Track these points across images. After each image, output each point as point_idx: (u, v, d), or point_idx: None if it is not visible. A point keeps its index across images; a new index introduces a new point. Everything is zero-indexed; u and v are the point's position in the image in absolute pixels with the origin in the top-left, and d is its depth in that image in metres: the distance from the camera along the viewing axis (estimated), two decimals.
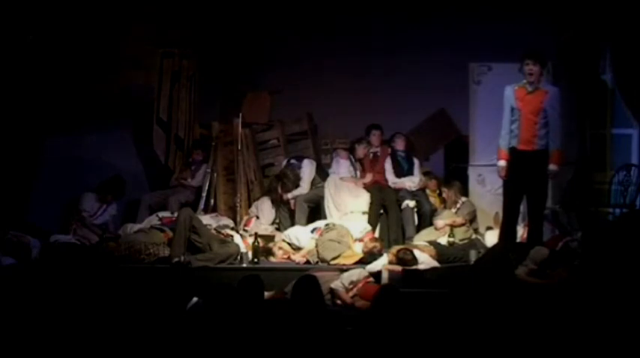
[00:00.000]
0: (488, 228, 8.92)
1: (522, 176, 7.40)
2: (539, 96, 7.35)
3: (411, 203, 9.28)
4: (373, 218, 9.30)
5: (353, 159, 9.81)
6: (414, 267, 7.70)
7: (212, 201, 9.93)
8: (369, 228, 9.02)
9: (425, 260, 7.94)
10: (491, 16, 9.85)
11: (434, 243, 8.53)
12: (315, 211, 9.59)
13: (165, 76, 10.32)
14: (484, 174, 9.27)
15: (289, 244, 8.82)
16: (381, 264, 7.80)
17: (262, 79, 10.65)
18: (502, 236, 7.62)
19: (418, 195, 9.44)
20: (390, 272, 7.59)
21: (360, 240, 8.73)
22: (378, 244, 8.46)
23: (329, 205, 9.42)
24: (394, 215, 9.26)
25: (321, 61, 10.44)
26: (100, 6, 9.38)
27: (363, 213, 9.36)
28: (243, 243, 8.67)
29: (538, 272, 6.78)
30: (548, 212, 8.41)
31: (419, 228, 9.22)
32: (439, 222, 8.92)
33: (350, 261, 8.24)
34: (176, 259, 8.15)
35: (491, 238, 8.54)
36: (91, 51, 9.48)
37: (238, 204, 9.69)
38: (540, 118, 7.33)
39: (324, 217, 9.37)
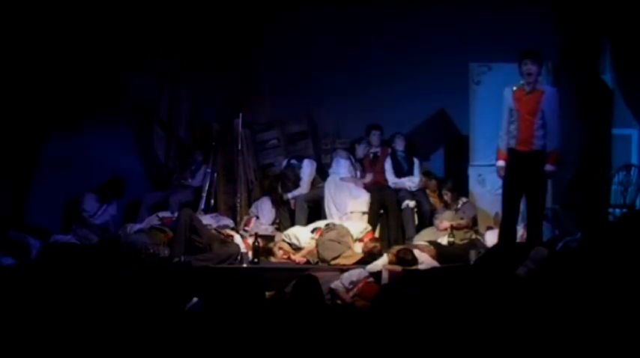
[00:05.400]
0: (489, 228, 8.92)
1: (521, 176, 7.40)
2: (536, 97, 7.34)
3: (411, 203, 9.28)
4: (373, 218, 9.31)
5: (353, 159, 9.82)
6: (414, 267, 7.71)
7: (212, 201, 9.93)
8: (369, 228, 9.03)
9: (425, 260, 7.94)
10: (491, 15, 9.84)
11: (434, 243, 8.53)
12: (315, 211, 9.60)
13: (166, 76, 10.33)
14: (484, 174, 9.26)
15: (289, 244, 8.83)
16: (381, 263, 7.80)
17: (262, 79, 10.64)
18: (501, 236, 7.62)
19: (418, 195, 9.44)
20: (390, 272, 7.60)
21: (360, 240, 8.74)
22: (378, 244, 8.47)
23: (329, 205, 9.43)
24: (394, 215, 9.26)
25: (321, 61, 10.43)
26: (101, 6, 9.38)
27: (363, 213, 9.37)
28: (243, 243, 8.69)
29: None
30: (548, 212, 8.40)
31: (419, 228, 9.23)
32: (444, 222, 8.90)
33: (350, 261, 8.24)
34: (176, 259, 8.16)
35: (491, 238, 8.53)
36: (92, 51, 9.48)
37: (238, 204, 9.69)
38: (538, 119, 7.31)
39: (324, 217, 9.38)
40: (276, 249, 8.69)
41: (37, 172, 9.44)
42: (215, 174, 9.98)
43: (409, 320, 5.29)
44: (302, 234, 8.90)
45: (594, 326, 5.24)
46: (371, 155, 9.71)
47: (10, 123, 8.97)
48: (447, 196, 9.26)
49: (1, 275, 7.50)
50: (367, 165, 9.71)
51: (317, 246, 8.55)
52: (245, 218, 9.61)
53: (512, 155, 7.44)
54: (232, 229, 9.10)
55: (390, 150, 9.66)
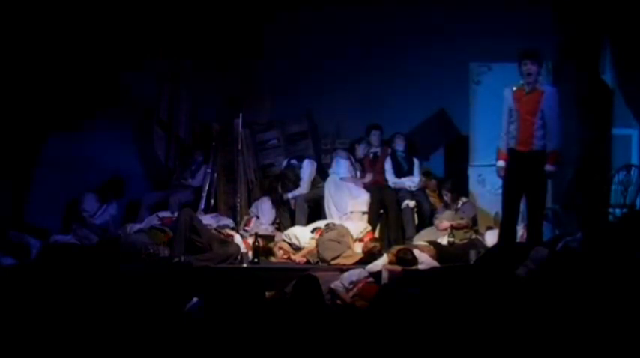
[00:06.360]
0: (489, 228, 8.92)
1: (521, 176, 7.40)
2: (535, 97, 7.34)
3: (411, 203, 9.28)
4: (373, 218, 9.31)
5: (353, 159, 9.82)
6: (414, 267, 7.70)
7: (212, 201, 9.94)
8: (369, 228, 9.03)
9: (425, 260, 7.94)
10: (491, 15, 9.85)
11: (434, 243, 8.53)
12: (315, 211, 9.61)
13: (166, 76, 10.33)
14: (484, 174, 9.27)
15: (289, 244, 8.83)
16: (381, 263, 7.80)
17: (262, 79, 10.65)
18: (501, 236, 7.62)
19: (418, 195, 9.44)
20: (390, 272, 7.59)
21: (360, 240, 8.74)
22: (378, 244, 8.47)
23: (329, 205, 9.44)
24: (394, 215, 9.26)
25: (321, 60, 10.44)
26: (101, 6, 9.38)
27: (363, 213, 9.37)
28: (243, 243, 8.69)
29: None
30: (548, 212, 8.40)
31: (419, 228, 9.23)
32: (444, 222, 8.91)
33: (350, 261, 8.24)
34: (176, 259, 8.16)
35: (491, 238, 8.54)
36: (92, 51, 9.48)
37: (238, 204, 9.70)
38: (537, 119, 7.31)
39: (324, 217, 9.39)
40: (276, 249, 8.69)
41: (37, 172, 9.43)
42: (215, 174, 9.99)
43: (409, 320, 5.29)
44: (302, 234, 8.90)
45: (594, 326, 5.24)
46: (371, 155, 9.71)
47: (10, 123, 8.96)
48: (447, 197, 9.27)
49: (1, 275, 7.50)
50: (367, 165, 9.71)
51: (317, 246, 8.55)
52: (245, 218, 9.61)
53: (512, 155, 7.44)
54: (232, 229, 9.11)
55: (390, 150, 9.67)
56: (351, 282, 7.41)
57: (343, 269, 7.82)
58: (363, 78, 10.41)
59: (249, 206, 9.93)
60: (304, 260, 8.55)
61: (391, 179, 9.55)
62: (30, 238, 8.51)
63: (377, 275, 7.62)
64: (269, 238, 9.06)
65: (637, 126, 9.28)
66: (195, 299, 6.44)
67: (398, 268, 7.65)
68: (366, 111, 10.25)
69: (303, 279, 6.21)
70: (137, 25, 9.70)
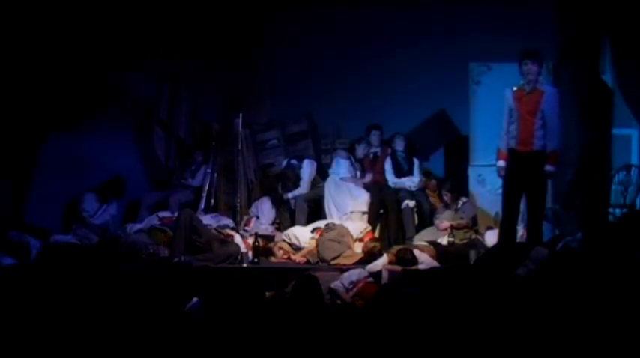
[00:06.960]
0: (489, 228, 8.92)
1: (521, 176, 7.40)
2: (536, 97, 7.34)
3: (411, 203, 9.28)
4: (373, 218, 9.31)
5: (353, 159, 9.82)
6: (414, 267, 7.71)
7: (212, 201, 9.94)
8: (369, 228, 9.03)
9: (425, 260, 7.94)
10: (491, 15, 9.86)
11: (434, 243, 8.53)
12: (315, 211, 9.61)
13: (166, 76, 10.33)
14: (484, 174, 9.26)
15: (289, 244, 8.83)
16: (381, 263, 7.80)
17: (262, 79, 10.65)
18: (501, 236, 7.62)
19: (418, 195, 9.44)
20: (390, 272, 7.60)
21: (360, 240, 8.74)
22: (378, 244, 8.47)
23: (329, 205, 9.44)
24: (394, 215, 9.26)
25: (321, 60, 10.44)
26: (101, 6, 9.38)
27: (363, 213, 9.37)
28: (243, 243, 8.69)
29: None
30: (548, 212, 8.40)
31: (419, 228, 9.23)
32: (444, 222, 8.91)
33: (350, 261, 8.25)
34: (176, 259, 8.17)
35: (491, 238, 8.54)
36: (92, 51, 9.48)
37: (238, 204, 9.70)
38: (537, 119, 7.31)
39: (324, 217, 9.39)
40: (276, 249, 8.69)
41: (37, 172, 9.44)
42: (215, 174, 9.99)
43: (408, 320, 5.29)
44: (302, 234, 8.90)
45: (594, 326, 5.24)
46: (371, 155, 9.71)
47: (10, 123, 8.96)
48: (447, 197, 9.26)
49: (1, 275, 7.50)
50: (367, 165, 9.71)
51: (317, 246, 8.55)
52: (245, 218, 9.61)
53: (512, 155, 7.44)
54: (232, 229, 9.11)
55: (390, 150, 9.66)
56: (351, 282, 7.41)
57: (343, 269, 7.83)
58: (363, 78, 10.40)
59: (249, 206, 9.93)
60: (304, 260, 8.55)
61: (391, 179, 9.54)
62: (30, 238, 8.51)
63: (377, 275, 7.63)
64: (269, 238, 9.06)
65: (637, 126, 9.28)
66: (195, 299, 6.44)
67: (398, 268, 7.65)
68: (366, 111, 10.24)
69: (303, 279, 6.21)
70: (137, 25, 9.70)
